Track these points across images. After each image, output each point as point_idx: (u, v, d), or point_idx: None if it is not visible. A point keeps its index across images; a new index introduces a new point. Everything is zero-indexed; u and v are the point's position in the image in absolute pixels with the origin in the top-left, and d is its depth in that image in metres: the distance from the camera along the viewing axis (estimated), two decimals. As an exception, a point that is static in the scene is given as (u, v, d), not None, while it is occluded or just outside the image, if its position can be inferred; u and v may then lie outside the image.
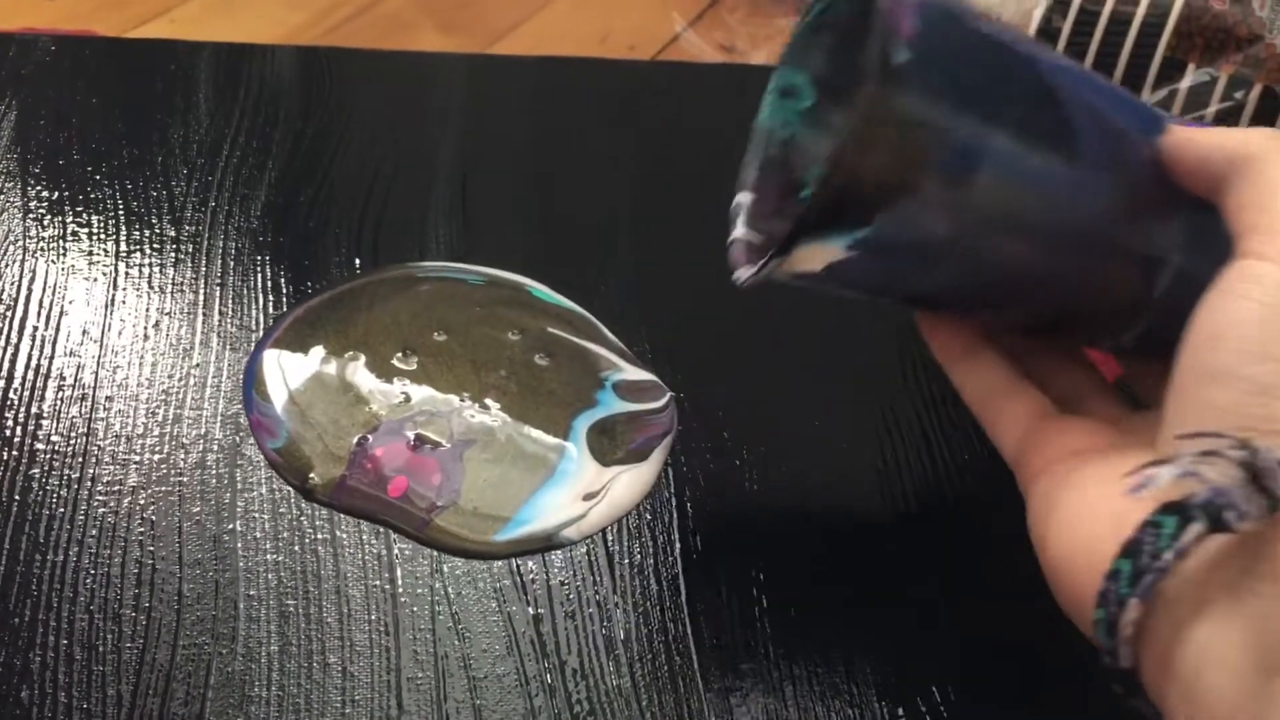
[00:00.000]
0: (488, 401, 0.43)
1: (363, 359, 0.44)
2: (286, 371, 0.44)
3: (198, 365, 0.44)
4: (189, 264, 0.48)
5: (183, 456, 0.41)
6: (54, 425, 0.41)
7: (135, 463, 0.40)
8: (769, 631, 0.38)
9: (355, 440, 0.41)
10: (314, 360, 0.44)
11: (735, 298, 0.51)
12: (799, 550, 0.41)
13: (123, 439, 0.41)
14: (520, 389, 0.44)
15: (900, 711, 0.37)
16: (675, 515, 0.42)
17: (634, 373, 0.46)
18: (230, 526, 0.39)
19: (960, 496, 0.44)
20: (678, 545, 0.41)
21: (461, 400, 0.43)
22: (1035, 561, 0.31)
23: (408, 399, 0.43)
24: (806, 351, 0.49)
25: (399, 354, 0.45)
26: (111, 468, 0.40)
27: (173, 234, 0.50)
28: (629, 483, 0.42)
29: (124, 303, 0.46)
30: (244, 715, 0.34)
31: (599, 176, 0.56)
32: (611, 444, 0.43)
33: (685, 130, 0.60)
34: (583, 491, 0.41)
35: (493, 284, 0.49)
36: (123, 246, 0.49)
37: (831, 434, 0.45)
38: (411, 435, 0.41)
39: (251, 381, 0.43)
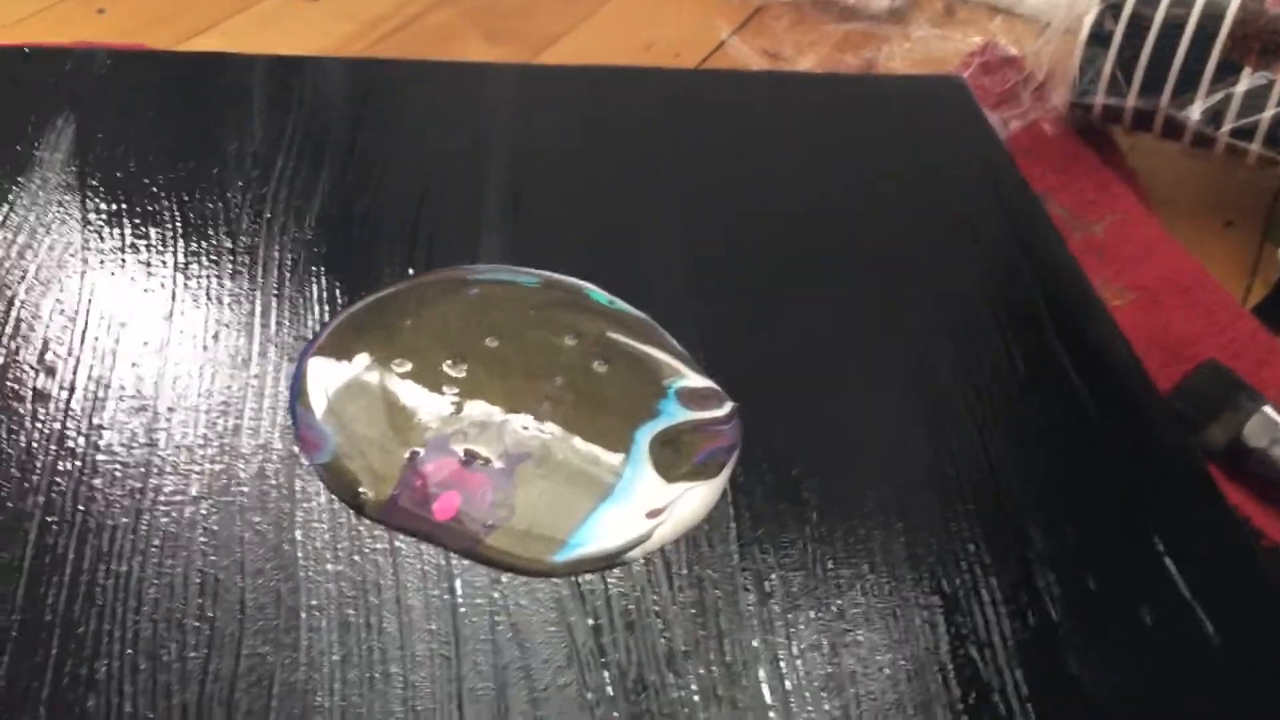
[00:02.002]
0: (543, 412, 0.43)
1: (410, 367, 0.44)
2: (330, 382, 0.43)
3: (255, 376, 0.44)
4: (245, 275, 0.49)
5: (242, 467, 0.41)
6: (115, 436, 0.42)
7: (196, 473, 0.40)
8: (830, 642, 0.38)
9: (405, 455, 0.41)
10: (358, 369, 0.43)
11: (787, 303, 0.51)
12: (858, 559, 0.41)
13: (183, 449, 0.41)
14: (578, 398, 0.44)
15: (966, 725, 0.36)
16: (734, 525, 0.41)
17: (696, 379, 0.45)
18: (291, 536, 0.39)
19: (1020, 503, 0.43)
20: (735, 556, 0.40)
21: (515, 411, 0.43)
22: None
23: (458, 410, 0.42)
24: (864, 357, 0.48)
25: (448, 361, 0.44)
26: (173, 478, 0.40)
27: (229, 245, 0.50)
28: (695, 500, 0.41)
29: (183, 314, 0.47)
30: (307, 725, 0.34)
31: (647, 183, 0.56)
32: (676, 457, 0.42)
33: (732, 137, 0.60)
34: (646, 508, 0.40)
35: (548, 286, 0.49)
36: (180, 258, 0.49)
37: (890, 443, 0.45)
38: (461, 450, 0.41)
39: (297, 394, 0.43)
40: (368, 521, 0.40)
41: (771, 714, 0.36)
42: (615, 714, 0.35)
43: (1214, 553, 0.43)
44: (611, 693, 0.36)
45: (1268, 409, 0.57)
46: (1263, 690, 0.38)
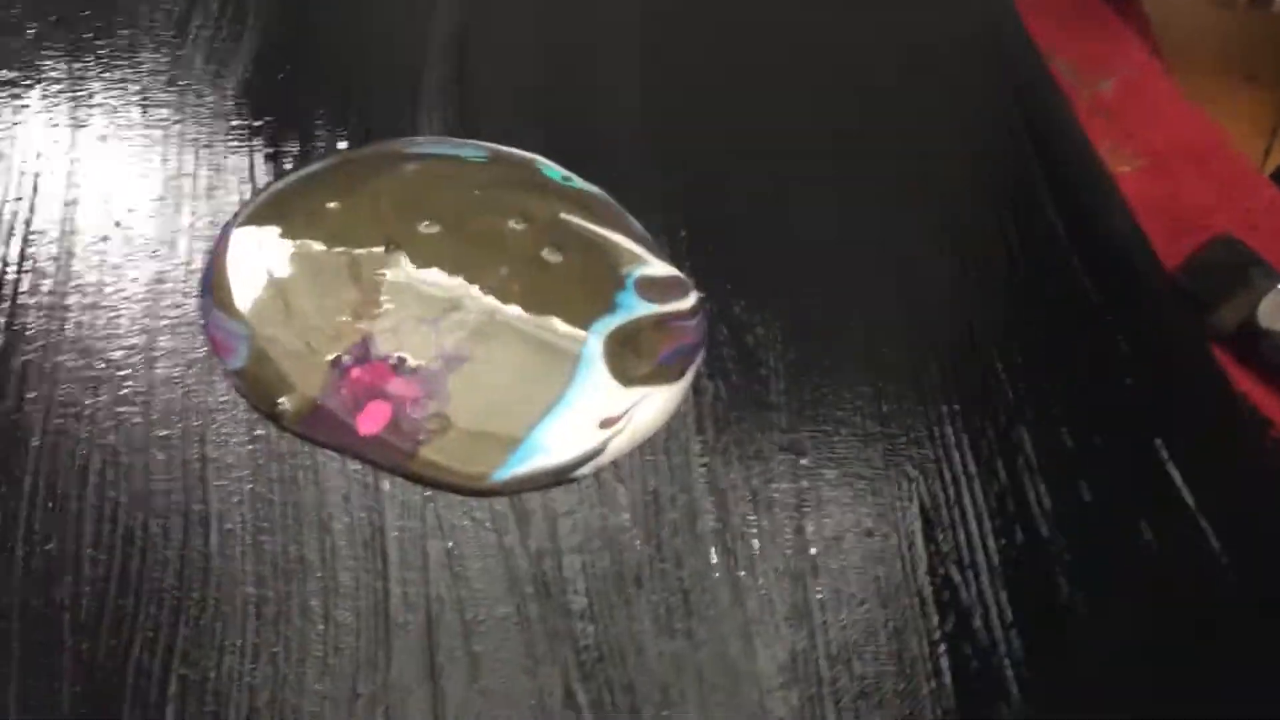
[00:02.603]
0: (485, 306, 0.38)
1: (335, 257, 0.39)
2: (244, 276, 0.38)
3: (165, 269, 0.40)
4: (155, 152, 0.43)
5: (148, 372, 0.37)
6: (8, 337, 0.37)
7: (96, 380, 0.36)
8: (805, 560, 0.35)
9: (329, 359, 0.37)
10: (276, 261, 0.39)
11: (761, 179, 0.46)
12: (831, 473, 0.37)
13: (84, 352, 0.37)
14: (525, 290, 0.39)
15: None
16: (693, 432, 0.37)
17: (659, 267, 0.41)
18: (200, 452, 0.35)
19: (1011, 404, 0.39)
20: (697, 469, 0.36)
21: (453, 308, 0.38)
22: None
23: (389, 307, 0.38)
24: (844, 240, 0.43)
25: (379, 250, 0.39)
26: (70, 386, 0.36)
27: (138, 118, 0.44)
28: (655, 407, 0.37)
29: (85, 198, 0.41)
30: (216, 667, 0.31)
31: (608, 44, 0.50)
32: (635, 358, 0.38)
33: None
34: (599, 417, 0.36)
35: (495, 161, 0.44)
36: (80, 135, 0.44)
37: (870, 338, 0.40)
38: (392, 353, 0.37)
39: (208, 290, 0.38)
40: (287, 434, 0.36)
41: (732, 647, 0.33)
42: (558, 649, 0.32)
43: (1222, 457, 0.40)
44: (554, 625, 0.33)
45: (1283, 288, 0.52)
46: (1271, 612, 0.35)
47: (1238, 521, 0.37)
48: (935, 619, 0.34)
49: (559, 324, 0.38)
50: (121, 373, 0.36)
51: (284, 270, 0.38)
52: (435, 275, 0.39)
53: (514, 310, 0.38)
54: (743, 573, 0.34)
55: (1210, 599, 0.35)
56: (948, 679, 0.33)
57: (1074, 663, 0.34)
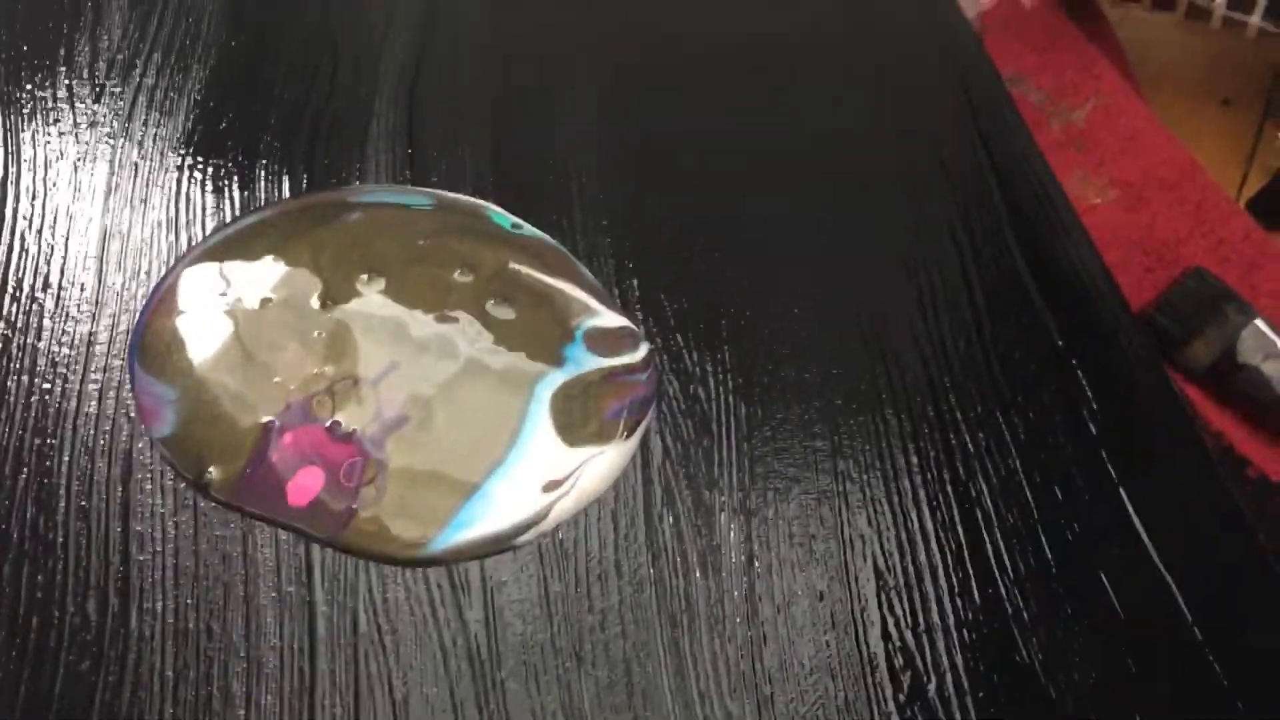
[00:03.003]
0: (427, 364, 0.37)
1: (269, 315, 0.38)
2: (173, 338, 0.37)
3: (93, 331, 0.38)
4: (90, 206, 0.42)
5: (73, 439, 0.35)
6: (-74, 408, 0.36)
7: (16, 448, 0.35)
8: (755, 628, 0.33)
9: (260, 423, 0.35)
10: (206, 320, 0.37)
11: (718, 223, 0.44)
12: (787, 531, 0.36)
13: (5, 420, 0.36)
14: (468, 347, 0.38)
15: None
16: (641, 494, 0.36)
17: (609, 317, 0.39)
18: (122, 525, 0.34)
19: (972, 456, 0.38)
20: (642, 533, 0.35)
21: (393, 366, 0.37)
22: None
23: (324, 366, 0.37)
24: (803, 285, 0.42)
25: (318, 306, 0.38)
26: (-10, 458, 0.35)
27: (71, 170, 0.43)
28: (602, 468, 0.35)
29: (14, 255, 0.40)
30: (132, 757, 0.30)
31: (560, 87, 0.49)
32: (582, 415, 0.36)
33: (658, 27, 0.53)
34: (544, 480, 0.35)
35: (442, 208, 0.42)
36: (12, 189, 0.42)
37: (831, 388, 0.39)
38: (326, 416, 0.35)
39: (136, 353, 0.37)
40: (215, 505, 0.34)
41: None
42: (491, 731, 0.31)
43: (1190, 509, 0.38)
44: (488, 705, 0.31)
45: (1259, 322, 0.51)
46: (1244, 669, 0.34)
47: (1205, 576, 0.35)
48: (889, 688, 0.32)
49: (503, 382, 0.37)
50: (45, 441, 0.35)
51: (217, 329, 0.37)
52: (375, 333, 0.38)
53: (457, 369, 0.37)
54: (688, 644, 0.33)
55: (1176, 657, 0.34)
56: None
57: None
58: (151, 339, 0.37)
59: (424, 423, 0.36)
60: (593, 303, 0.40)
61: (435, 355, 0.37)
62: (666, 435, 0.37)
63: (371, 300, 0.39)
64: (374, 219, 0.42)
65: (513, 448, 0.35)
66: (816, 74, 0.50)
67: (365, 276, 0.39)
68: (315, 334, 0.37)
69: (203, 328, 0.37)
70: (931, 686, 0.33)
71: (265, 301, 0.38)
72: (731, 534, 0.35)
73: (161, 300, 0.38)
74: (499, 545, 0.34)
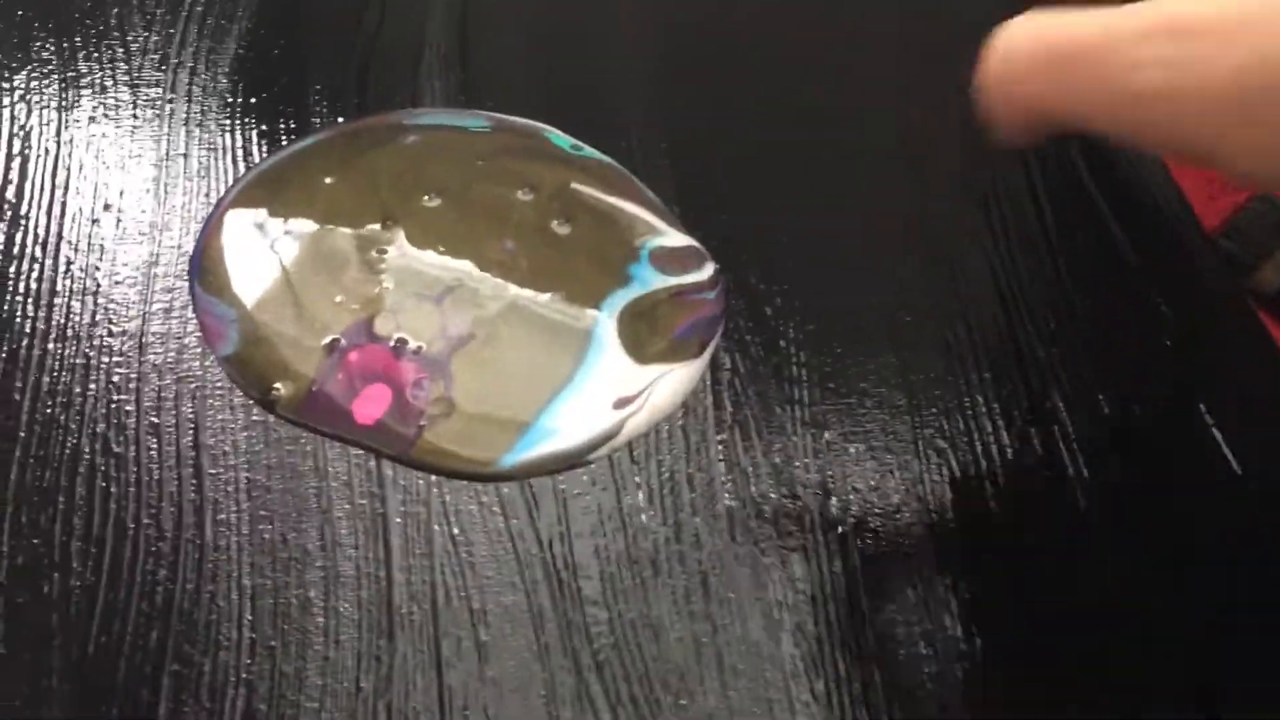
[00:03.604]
0: (491, 282, 0.37)
1: (330, 235, 0.37)
2: (234, 258, 0.37)
3: (156, 252, 0.38)
4: (146, 133, 0.42)
5: (142, 359, 0.35)
6: (-5, 327, 0.36)
7: (86, 367, 0.35)
8: (822, 545, 0.33)
9: (324, 343, 0.35)
10: (267, 240, 0.37)
11: (779, 145, 0.44)
12: (858, 451, 0.35)
13: (73, 340, 0.36)
14: (532, 265, 0.37)
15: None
16: (711, 409, 0.36)
17: (674, 236, 0.39)
18: (195, 439, 0.34)
19: (1045, 372, 0.37)
20: (714, 446, 0.35)
21: (456, 283, 0.37)
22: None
23: (387, 285, 0.36)
24: (866, 207, 0.41)
25: (378, 225, 0.38)
26: (60, 374, 0.35)
27: (127, 98, 0.43)
28: (673, 386, 0.35)
29: (74, 179, 0.40)
30: (210, 660, 0.30)
31: (624, 5, 0.48)
32: (650, 333, 0.36)
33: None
34: (614, 396, 0.34)
35: (500, 130, 0.42)
36: (69, 115, 0.42)
37: (895, 308, 0.38)
38: (391, 334, 0.35)
39: (197, 273, 0.37)
40: (284, 422, 0.34)
41: (753, 632, 0.31)
42: (570, 639, 0.31)
43: (1270, 422, 0.37)
44: (565, 613, 0.31)
45: (1329, 246, 0.50)
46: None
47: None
48: (968, 595, 0.32)
49: (569, 300, 0.36)
50: (112, 360, 0.35)
51: (277, 251, 0.37)
52: (437, 251, 0.37)
53: (521, 286, 0.37)
54: (762, 554, 0.32)
55: (1262, 574, 0.33)
56: (980, 660, 0.31)
57: (1112, 639, 0.32)
58: (210, 261, 0.37)
59: (489, 340, 0.35)
60: (657, 222, 0.39)
61: (498, 274, 0.37)
62: (735, 352, 0.37)
63: (432, 219, 0.38)
64: (431, 141, 0.41)
65: (581, 365, 0.35)
66: (885, 12, 0.49)
67: (426, 197, 0.39)
68: (375, 253, 0.37)
69: (261, 248, 0.37)
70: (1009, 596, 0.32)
71: (324, 222, 0.38)
72: (802, 448, 0.35)
73: (219, 221, 0.38)
74: (570, 461, 0.33)
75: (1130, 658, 0.32)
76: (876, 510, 0.34)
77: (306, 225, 0.38)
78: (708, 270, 0.38)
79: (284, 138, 0.41)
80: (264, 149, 0.41)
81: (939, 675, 0.31)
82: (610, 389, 0.34)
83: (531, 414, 0.34)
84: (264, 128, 0.42)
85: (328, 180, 0.39)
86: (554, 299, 0.36)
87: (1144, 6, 0.22)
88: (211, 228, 0.37)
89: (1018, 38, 0.24)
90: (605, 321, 0.36)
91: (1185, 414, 0.36)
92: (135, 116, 0.42)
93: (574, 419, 0.34)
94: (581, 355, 0.35)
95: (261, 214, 0.38)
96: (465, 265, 0.37)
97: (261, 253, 0.37)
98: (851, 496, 0.34)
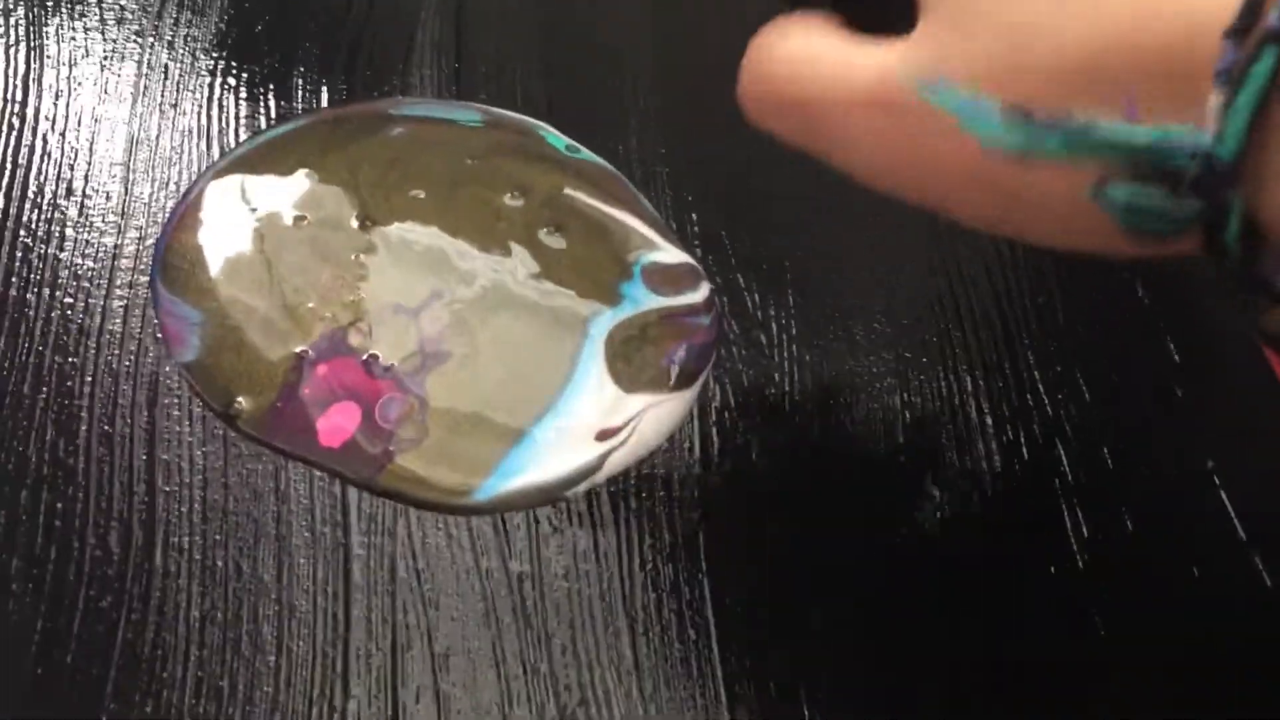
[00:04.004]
0: (472, 295, 0.35)
1: (307, 234, 0.35)
2: (199, 255, 0.35)
3: (118, 245, 0.36)
4: (117, 108, 0.39)
5: (96, 359, 0.33)
6: (-59, 319, 0.34)
7: (39, 367, 0.33)
8: (806, 601, 0.31)
9: (292, 353, 0.33)
10: (235, 238, 0.35)
11: (786, 164, 0.41)
12: (852, 489, 0.33)
13: (25, 336, 0.33)
14: (517, 279, 0.35)
15: None
16: (698, 445, 0.34)
17: (670, 253, 0.37)
18: (147, 453, 0.32)
19: (1051, 420, 0.35)
20: (698, 486, 0.33)
21: (436, 296, 0.34)
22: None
23: (362, 293, 0.34)
24: (881, 221, 0.39)
25: (356, 225, 0.35)
26: (8, 374, 0.33)
27: (97, 73, 0.41)
28: (661, 418, 0.33)
29: (34, 162, 0.38)
30: (153, 701, 0.28)
31: (623, 10, 0.46)
32: (639, 359, 0.33)
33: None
34: (598, 426, 0.32)
35: (493, 126, 0.39)
36: (34, 89, 0.40)
37: (900, 343, 0.37)
38: (366, 349, 0.33)
39: (159, 270, 0.35)
40: (244, 438, 0.32)
41: (721, 693, 0.29)
42: (536, 687, 0.29)
43: (1276, 480, 0.36)
44: (533, 660, 0.29)
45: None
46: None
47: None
48: (954, 662, 0.30)
49: (555, 319, 0.34)
50: (65, 360, 0.33)
51: (246, 248, 0.35)
52: (417, 258, 0.35)
53: (504, 302, 0.34)
54: (743, 609, 0.30)
55: (1262, 643, 0.32)
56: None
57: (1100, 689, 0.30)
58: (174, 256, 0.34)
59: (468, 360, 0.33)
60: (653, 235, 0.37)
61: (481, 286, 0.35)
62: (725, 382, 0.35)
63: (414, 222, 0.36)
64: (418, 134, 0.39)
65: (564, 391, 0.33)
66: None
67: (409, 196, 0.37)
68: (352, 257, 0.35)
69: (230, 246, 0.35)
70: (1007, 660, 0.30)
71: (298, 219, 0.36)
72: (794, 492, 0.33)
73: (186, 214, 0.36)
74: (548, 496, 0.31)
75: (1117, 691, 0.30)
76: (866, 563, 0.32)
77: (281, 221, 0.35)
78: (703, 291, 0.36)
79: (263, 122, 0.39)
80: (240, 133, 0.39)
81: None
82: (594, 418, 0.32)
83: (509, 443, 0.32)
84: (242, 112, 0.39)
85: (304, 173, 0.37)
86: (539, 317, 0.34)
87: (861, 66, 0.22)
88: (177, 220, 0.35)
89: (753, 74, 0.24)
90: (593, 344, 0.34)
91: (1193, 471, 0.35)
92: (105, 93, 0.40)
93: (554, 450, 0.32)
94: (565, 380, 0.33)
95: (232, 207, 0.35)
96: (446, 276, 0.35)
97: (230, 250, 0.35)
98: (840, 546, 0.32)
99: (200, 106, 0.39)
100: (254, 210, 0.35)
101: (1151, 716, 0.30)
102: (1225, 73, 0.15)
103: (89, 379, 0.33)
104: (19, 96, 0.39)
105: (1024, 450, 0.34)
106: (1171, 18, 0.16)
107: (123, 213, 0.36)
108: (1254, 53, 0.15)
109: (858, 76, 0.22)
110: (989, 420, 0.35)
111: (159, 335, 0.34)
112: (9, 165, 0.37)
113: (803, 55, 0.23)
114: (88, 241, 0.35)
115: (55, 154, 0.37)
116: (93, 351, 0.33)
